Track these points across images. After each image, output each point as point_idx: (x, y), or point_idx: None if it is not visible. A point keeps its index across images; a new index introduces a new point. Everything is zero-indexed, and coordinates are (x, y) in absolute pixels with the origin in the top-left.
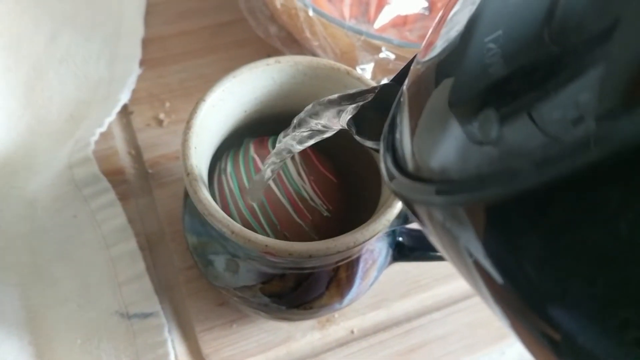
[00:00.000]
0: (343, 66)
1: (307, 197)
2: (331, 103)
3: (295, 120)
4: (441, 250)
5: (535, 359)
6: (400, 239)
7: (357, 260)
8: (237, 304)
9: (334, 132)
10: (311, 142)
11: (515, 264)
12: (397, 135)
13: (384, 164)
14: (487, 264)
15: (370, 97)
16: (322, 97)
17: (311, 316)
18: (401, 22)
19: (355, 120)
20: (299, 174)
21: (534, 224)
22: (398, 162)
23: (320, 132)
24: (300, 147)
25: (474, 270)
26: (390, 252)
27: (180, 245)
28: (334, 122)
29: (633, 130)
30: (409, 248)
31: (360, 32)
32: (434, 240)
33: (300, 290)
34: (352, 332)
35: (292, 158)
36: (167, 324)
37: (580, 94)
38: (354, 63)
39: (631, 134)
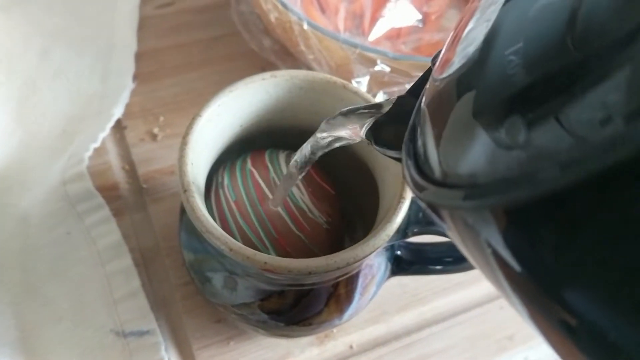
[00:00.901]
0: (339, 80)
1: (306, 209)
2: (346, 116)
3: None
4: (459, 244)
5: (555, 351)
6: (399, 252)
7: (357, 275)
8: (235, 321)
9: (352, 142)
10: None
11: (533, 253)
12: (419, 145)
13: (407, 172)
14: (505, 255)
15: (385, 109)
16: (318, 111)
17: (310, 332)
18: (395, 35)
19: (373, 131)
20: (297, 186)
21: (558, 223)
22: (421, 169)
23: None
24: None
25: (492, 260)
26: (389, 266)
27: (176, 261)
28: (355, 133)
29: None
30: (408, 262)
31: (355, 45)
32: (452, 235)
33: (300, 307)
34: (351, 347)
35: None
36: (163, 342)
37: (608, 95)
38: (349, 76)
39: None
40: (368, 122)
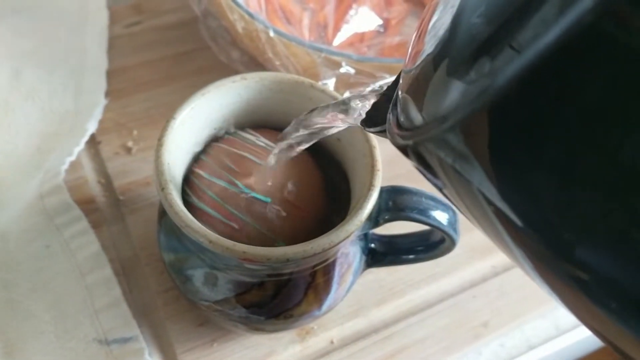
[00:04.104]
0: (307, 80)
1: (262, 143)
2: (326, 109)
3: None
4: (457, 202)
5: (563, 303)
6: (373, 245)
7: (333, 264)
8: (217, 318)
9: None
10: (311, 142)
11: (528, 196)
12: (400, 116)
13: (392, 132)
14: (502, 206)
15: (377, 97)
16: (287, 111)
17: (291, 326)
18: (358, 40)
19: (365, 120)
20: (247, 132)
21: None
22: (403, 126)
23: (319, 132)
24: (302, 147)
25: (492, 215)
26: (364, 258)
27: (156, 269)
28: (342, 121)
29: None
30: (382, 253)
31: (320, 50)
32: (449, 193)
33: (279, 298)
34: (332, 342)
35: (246, 130)
36: (147, 347)
37: (547, 13)
38: (316, 79)
39: (582, 20)
40: (356, 112)
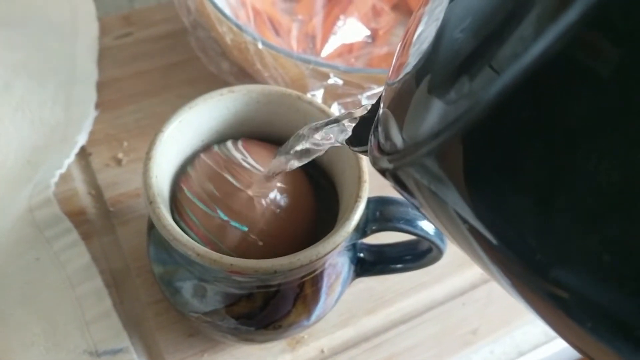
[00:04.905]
0: (294, 92)
1: (247, 165)
2: (318, 128)
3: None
4: (436, 222)
5: (541, 318)
6: (362, 254)
7: (321, 274)
8: (207, 330)
9: (325, 149)
10: (307, 159)
11: (504, 219)
12: (381, 135)
13: (372, 155)
14: (477, 224)
15: (358, 117)
16: (276, 122)
17: (280, 336)
18: (347, 51)
19: (350, 138)
20: (236, 147)
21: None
22: (383, 150)
23: (313, 150)
24: (298, 164)
25: (469, 235)
26: (353, 267)
27: (147, 281)
28: (330, 140)
29: (561, 40)
30: (370, 262)
31: (308, 61)
32: (426, 211)
33: (269, 309)
34: (322, 351)
35: (236, 145)
36: (137, 358)
37: (524, 31)
38: (304, 90)
39: (560, 45)
40: (346, 131)
